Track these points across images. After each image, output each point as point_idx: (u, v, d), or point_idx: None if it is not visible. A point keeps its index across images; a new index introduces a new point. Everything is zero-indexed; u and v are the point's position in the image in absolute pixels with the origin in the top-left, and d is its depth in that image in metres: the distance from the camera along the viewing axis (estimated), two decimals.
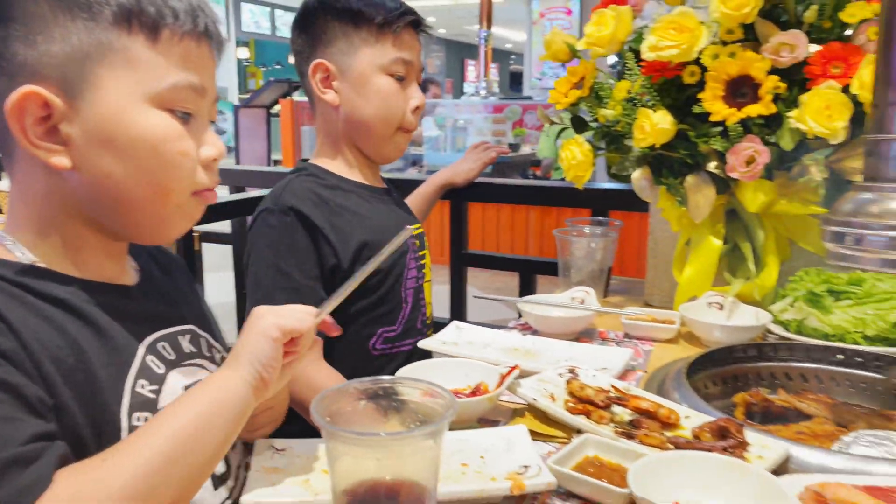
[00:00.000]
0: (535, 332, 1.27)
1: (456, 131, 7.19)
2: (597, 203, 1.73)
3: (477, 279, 1.85)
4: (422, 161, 7.20)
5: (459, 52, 21.79)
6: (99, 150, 0.71)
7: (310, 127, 7.11)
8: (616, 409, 0.90)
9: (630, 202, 1.71)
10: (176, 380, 0.80)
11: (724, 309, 1.27)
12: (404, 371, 0.97)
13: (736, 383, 1.14)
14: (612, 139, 1.41)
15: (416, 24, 1.35)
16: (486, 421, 0.94)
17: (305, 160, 1.44)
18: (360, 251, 1.28)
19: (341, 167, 1.39)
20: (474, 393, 0.97)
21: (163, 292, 0.88)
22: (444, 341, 1.18)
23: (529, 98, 8.36)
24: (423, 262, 1.42)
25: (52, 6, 0.69)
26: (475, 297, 1.32)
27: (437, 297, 1.79)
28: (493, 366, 0.99)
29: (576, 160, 1.38)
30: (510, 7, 12.22)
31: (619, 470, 0.78)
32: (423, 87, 7.49)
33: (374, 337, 1.32)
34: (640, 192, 1.35)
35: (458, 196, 1.86)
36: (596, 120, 1.43)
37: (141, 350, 0.78)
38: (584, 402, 0.91)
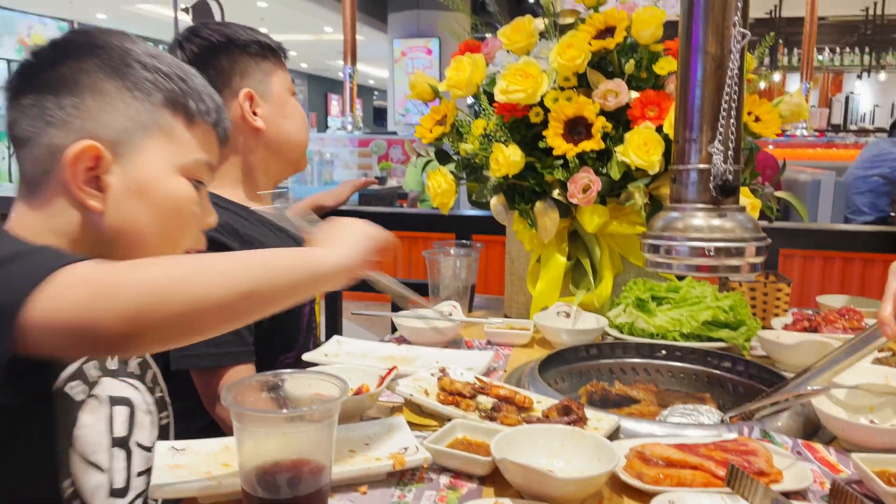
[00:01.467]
0: (409, 343, 1.41)
1: (323, 164, 7.27)
2: (460, 228, 1.91)
3: (351, 305, 1.95)
4: (286, 194, 7.22)
5: (322, 86, 21.84)
6: (132, 201, 0.86)
7: None
8: (480, 398, 1.05)
9: (489, 226, 1.90)
10: (105, 388, 0.89)
11: (571, 316, 1.47)
12: None
13: (581, 378, 1.33)
14: (472, 170, 1.59)
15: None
16: (368, 419, 1.06)
17: None
18: None
19: (241, 198, 1.46)
20: (357, 393, 1.08)
21: None
22: (326, 353, 1.28)
23: (394, 133, 8.61)
24: None
25: (117, 86, 0.86)
26: (353, 313, 1.43)
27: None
28: (372, 369, 1.11)
29: (441, 188, 1.54)
30: (372, 44, 12.53)
31: (484, 446, 0.92)
32: None
33: (275, 364, 1.39)
34: (497, 216, 1.53)
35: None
36: (457, 153, 1.60)
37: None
38: (454, 395, 1.05)
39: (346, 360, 1.26)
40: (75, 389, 0.84)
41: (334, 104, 21.41)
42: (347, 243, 0.87)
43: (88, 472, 0.85)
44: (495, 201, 1.52)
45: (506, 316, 1.65)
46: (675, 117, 1.06)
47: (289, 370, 0.79)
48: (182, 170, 0.89)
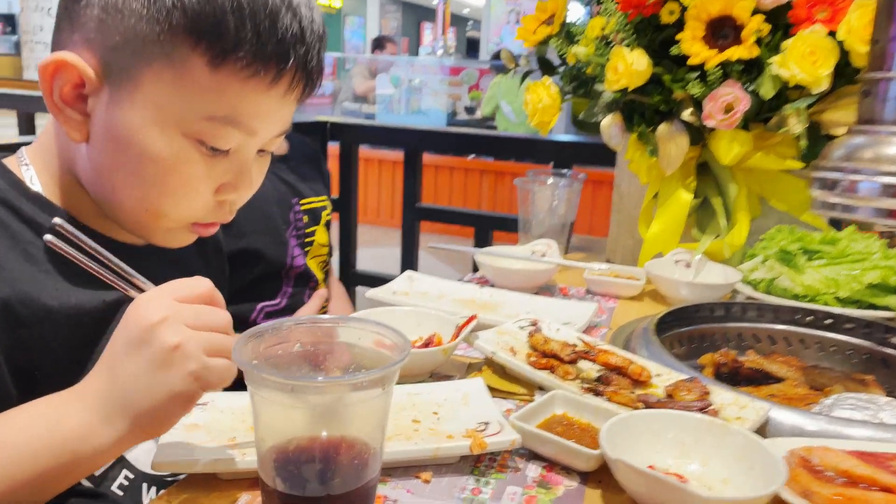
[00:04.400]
0: (492, 286, 1.18)
1: (411, 91, 7.03)
2: (558, 156, 1.65)
3: (429, 240, 1.75)
4: (374, 120, 7.02)
5: (416, 14, 21.34)
6: (108, 145, 0.66)
7: None
8: (583, 364, 0.82)
9: (593, 156, 1.63)
10: None
11: (692, 267, 1.21)
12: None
13: (702, 344, 1.08)
14: (582, 82, 1.32)
15: None
16: (439, 376, 0.85)
17: None
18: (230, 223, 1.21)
19: None
20: (427, 345, 0.87)
21: (176, 263, 0.80)
22: (394, 291, 1.08)
23: (486, 62, 8.24)
24: (309, 238, 1.34)
25: None
26: (430, 246, 1.22)
27: (388, 260, 1.70)
28: (448, 315, 0.89)
29: (542, 104, 1.28)
30: None
31: (590, 430, 0.70)
32: (380, 44, 7.28)
33: (254, 311, 1.24)
34: (609, 141, 1.27)
35: (413, 148, 1.75)
36: (564, 62, 1.33)
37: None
38: (549, 357, 0.82)
39: (416, 300, 1.05)
40: None
41: (427, 33, 20.93)
42: (127, 402, 0.54)
43: None
44: (608, 121, 1.25)
45: (608, 261, 1.40)
46: (878, 6, 0.77)
47: (330, 316, 0.57)
48: (183, 126, 0.65)
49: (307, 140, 1.50)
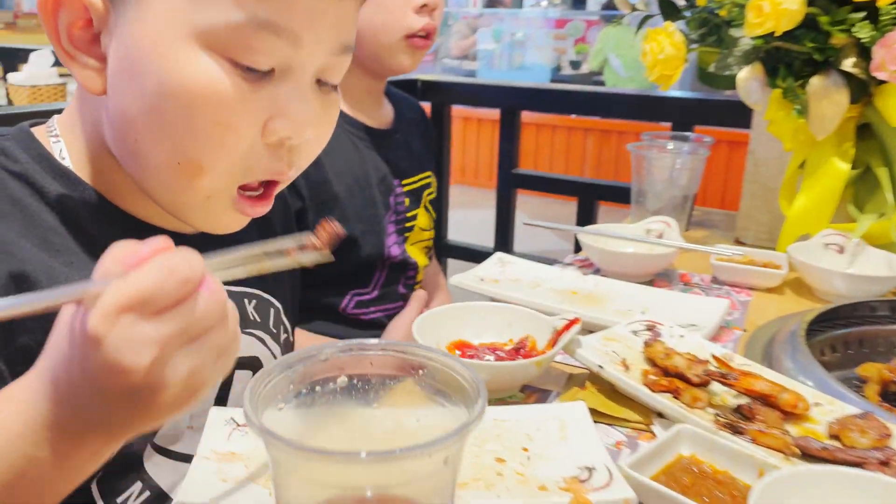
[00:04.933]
0: (598, 272, 1.01)
1: (513, 46, 6.75)
2: (678, 115, 1.43)
3: (527, 205, 1.59)
4: (475, 76, 6.79)
5: None
6: (122, 86, 0.52)
7: None
8: (715, 386, 0.65)
9: (720, 114, 1.41)
10: None
11: (847, 252, 0.99)
12: (427, 317, 0.73)
13: (861, 350, 0.87)
14: (713, 28, 1.10)
15: None
16: (532, 389, 0.70)
17: None
18: (333, 206, 1.07)
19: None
20: (517, 351, 0.72)
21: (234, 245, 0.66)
22: (482, 277, 0.93)
23: (594, 13, 7.82)
24: (409, 224, 1.18)
25: None
26: (525, 223, 1.06)
27: (483, 226, 1.55)
28: (545, 316, 0.74)
29: (664, 54, 1.08)
30: None
31: (728, 482, 0.53)
32: (492, 3, 7.01)
33: (344, 298, 1.11)
34: (746, 97, 1.05)
35: (510, 107, 1.57)
36: (691, 4, 1.12)
37: None
38: (671, 376, 0.65)
39: (506, 289, 0.89)
40: None
41: None
42: (89, 406, 0.39)
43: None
44: (746, 74, 1.04)
45: (737, 242, 1.19)
46: None
47: (383, 341, 0.43)
48: (204, 38, 0.49)
49: (412, 101, 1.34)
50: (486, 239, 1.72)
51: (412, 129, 1.26)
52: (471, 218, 3.74)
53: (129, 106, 0.52)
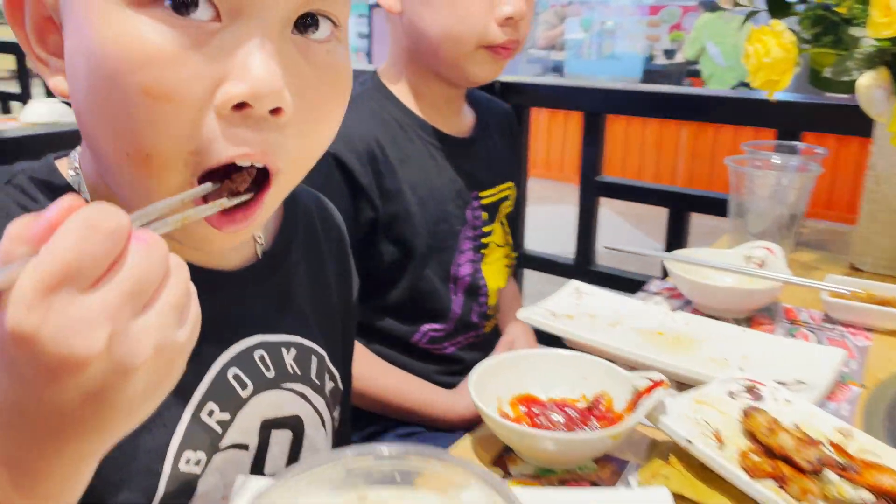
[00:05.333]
0: (688, 303, 0.90)
1: (603, 35, 6.53)
2: (785, 122, 1.28)
3: (612, 206, 1.46)
4: (562, 68, 6.61)
5: None
6: (70, 70, 0.44)
7: None
8: (831, 476, 0.54)
9: (833, 121, 1.25)
10: (257, 409, 0.55)
11: None
12: (483, 368, 0.65)
13: None
14: (830, 26, 0.96)
15: None
16: (607, 459, 0.61)
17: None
18: (405, 219, 1.00)
19: (406, 95, 1.05)
20: (591, 410, 0.63)
21: (279, 285, 0.60)
22: (554, 312, 0.84)
23: None
24: (485, 239, 1.08)
25: None
26: (606, 248, 0.96)
27: (565, 225, 1.44)
28: (625, 372, 0.64)
29: (770, 57, 0.95)
30: None
31: None
32: None
33: (416, 333, 1.04)
34: (868, 106, 0.91)
35: (595, 110, 1.46)
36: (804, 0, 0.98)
37: (218, 364, 0.53)
38: (776, 458, 0.55)
39: (582, 327, 0.80)
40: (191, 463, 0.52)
41: None
42: None
43: None
44: (869, 80, 0.90)
45: (852, 269, 1.05)
46: None
47: (410, 448, 0.35)
48: None
49: (498, 104, 1.24)
50: (567, 243, 1.61)
51: (496, 134, 1.17)
52: (552, 216, 3.61)
53: (75, 95, 0.44)
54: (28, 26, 0.45)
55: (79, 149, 0.52)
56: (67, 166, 0.52)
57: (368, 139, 0.98)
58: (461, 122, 1.11)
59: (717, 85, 5.02)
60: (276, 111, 0.41)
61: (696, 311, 0.89)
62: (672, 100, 1.37)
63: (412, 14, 0.98)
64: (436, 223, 1.03)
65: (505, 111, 1.26)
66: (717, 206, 1.34)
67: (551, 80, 1.67)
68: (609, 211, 1.54)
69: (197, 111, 0.40)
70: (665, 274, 0.94)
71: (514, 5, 0.95)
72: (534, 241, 1.65)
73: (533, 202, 1.69)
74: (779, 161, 1.05)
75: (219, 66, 0.40)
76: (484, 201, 1.10)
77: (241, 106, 0.40)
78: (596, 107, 1.45)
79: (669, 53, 5.72)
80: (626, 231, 4.11)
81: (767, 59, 0.95)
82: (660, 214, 1.47)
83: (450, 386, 1.05)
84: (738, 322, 0.86)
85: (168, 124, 0.40)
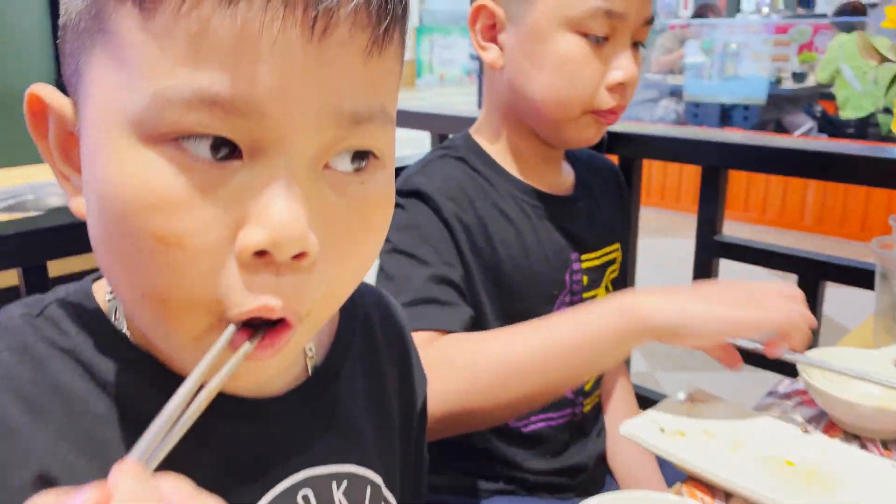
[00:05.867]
0: (823, 413, 0.77)
1: (725, 56, 6.20)
2: None
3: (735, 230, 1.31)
4: (681, 92, 6.32)
5: None
6: (85, 200, 0.43)
7: None
8: None
9: None
10: None
11: None
12: None
13: None
14: None
15: None
16: None
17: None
18: (493, 278, 0.92)
19: (503, 154, 0.99)
20: None
21: (331, 405, 0.54)
22: (663, 427, 0.73)
23: (824, 16, 7.00)
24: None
25: None
26: (729, 341, 0.83)
27: (681, 265, 1.32)
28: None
29: None
30: None
31: None
32: (700, 13, 6.51)
33: (528, 425, 0.96)
34: None
35: (714, 163, 1.33)
36: None
37: None
38: None
39: (694, 451, 0.69)
40: None
41: None
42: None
43: None
44: None
45: None
46: None
47: None
48: (138, 127, 0.37)
49: (601, 160, 1.17)
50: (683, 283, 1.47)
51: (599, 193, 1.08)
52: (668, 252, 3.41)
53: (91, 228, 0.41)
54: (51, 140, 0.43)
55: None
56: (105, 289, 0.47)
57: (457, 187, 0.93)
58: (560, 180, 1.04)
59: (852, 111, 4.63)
60: (299, 256, 0.37)
61: (833, 426, 0.76)
62: (802, 157, 1.22)
63: (516, 71, 0.93)
64: (529, 286, 0.95)
65: (609, 167, 1.17)
66: (859, 277, 1.17)
67: (665, 129, 1.54)
68: (728, 264, 1.39)
69: (215, 258, 0.37)
70: (794, 374, 0.81)
71: (626, 71, 0.89)
72: (645, 281, 1.51)
73: (645, 233, 1.56)
74: None
75: (238, 210, 0.37)
76: (586, 265, 1.01)
77: (261, 253, 0.36)
78: (715, 160, 1.32)
79: (799, 76, 5.34)
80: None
81: None
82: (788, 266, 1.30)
83: (539, 472, 0.96)
84: (884, 444, 0.72)
85: (184, 272, 0.37)
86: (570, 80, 0.89)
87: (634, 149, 1.41)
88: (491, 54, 0.94)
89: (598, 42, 0.88)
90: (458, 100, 11.00)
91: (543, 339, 0.78)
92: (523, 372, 0.76)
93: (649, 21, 0.92)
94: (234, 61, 0.35)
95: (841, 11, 5.13)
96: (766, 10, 6.08)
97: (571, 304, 0.99)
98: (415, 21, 14.06)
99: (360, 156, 0.40)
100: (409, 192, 0.91)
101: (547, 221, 0.98)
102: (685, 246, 1.49)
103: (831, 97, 4.98)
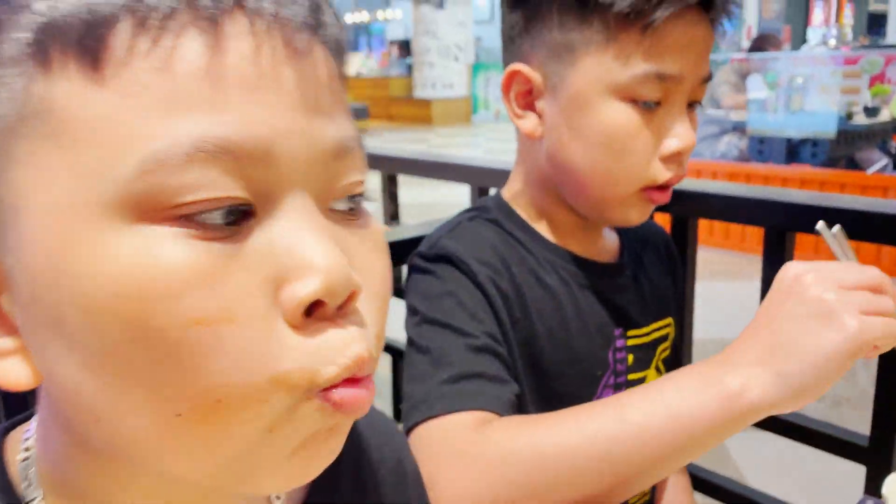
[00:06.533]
0: None
1: (792, 90, 5.97)
2: None
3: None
4: (744, 127, 6.11)
5: None
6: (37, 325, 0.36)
7: None
8: None
9: None
10: None
11: None
12: None
13: None
14: None
15: (705, 3, 0.78)
16: None
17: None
18: (530, 353, 0.82)
19: (538, 218, 0.90)
20: None
21: None
22: None
23: (894, 46, 6.70)
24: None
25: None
26: None
27: (746, 314, 1.21)
28: None
29: None
30: None
31: None
32: (758, 46, 6.31)
33: None
34: None
35: (779, 225, 1.20)
36: None
37: None
38: None
39: None
40: None
41: (817, 12, 18.32)
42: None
43: None
44: None
45: None
46: None
47: None
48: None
49: (651, 225, 1.05)
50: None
51: (648, 261, 0.98)
52: (731, 298, 3.23)
53: (53, 367, 0.33)
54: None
55: (34, 422, 0.39)
56: (17, 444, 0.38)
57: (492, 251, 0.83)
58: (603, 246, 0.94)
59: None
60: (349, 298, 0.33)
61: None
62: (876, 220, 1.09)
63: (557, 143, 0.83)
64: (569, 364, 0.85)
65: (658, 233, 1.06)
66: None
67: (724, 186, 1.40)
68: None
69: (264, 326, 0.31)
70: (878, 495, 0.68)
71: (683, 138, 0.79)
72: (706, 326, 1.37)
73: (706, 277, 1.43)
74: None
75: (270, 269, 0.32)
76: (632, 342, 0.91)
77: (313, 307, 0.32)
78: (780, 222, 1.20)
79: (871, 111, 5.08)
80: None
81: None
82: None
83: None
84: None
85: (236, 350, 0.30)
86: (620, 154, 0.78)
87: (689, 207, 1.29)
88: (529, 123, 0.85)
89: (650, 108, 0.77)
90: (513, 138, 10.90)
91: (623, 425, 0.62)
92: (594, 468, 0.62)
93: (707, 79, 0.82)
94: (237, 97, 0.30)
95: None
96: (833, 41, 5.84)
97: (616, 386, 0.89)
98: (470, 58, 14.16)
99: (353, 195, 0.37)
100: (438, 257, 0.82)
101: (588, 292, 0.88)
102: (748, 288, 1.37)
103: None
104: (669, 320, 0.96)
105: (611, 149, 0.79)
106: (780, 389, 0.58)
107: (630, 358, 0.89)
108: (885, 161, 4.54)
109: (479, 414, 0.70)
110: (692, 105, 0.83)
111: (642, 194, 0.82)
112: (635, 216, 0.84)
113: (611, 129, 0.78)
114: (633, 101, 0.77)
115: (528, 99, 0.85)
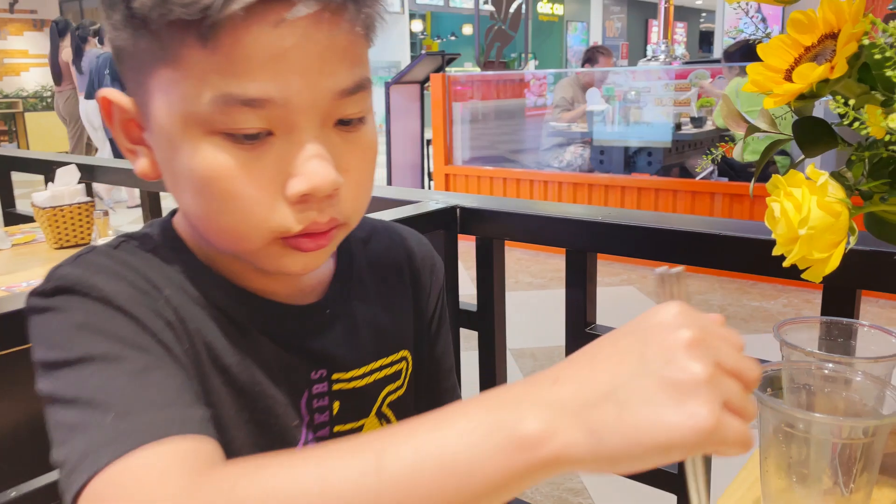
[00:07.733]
0: None
1: (627, 103, 6.25)
2: (838, 278, 0.93)
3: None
4: (589, 137, 6.32)
5: (643, 11, 20.10)
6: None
7: (462, 103, 6.48)
8: None
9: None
10: None
11: None
12: None
13: None
14: (886, 161, 0.63)
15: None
16: None
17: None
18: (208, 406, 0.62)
19: (216, 255, 0.70)
20: None
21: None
22: None
23: (718, 61, 7.20)
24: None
25: None
26: None
27: (555, 328, 1.09)
28: None
29: (814, 226, 0.61)
30: None
31: None
32: (590, 58, 6.55)
33: None
34: None
35: (580, 246, 1.13)
36: (865, 136, 0.64)
37: None
38: None
39: None
40: None
41: (655, 31, 19.56)
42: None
43: None
44: None
45: None
46: None
47: None
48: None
49: (398, 237, 0.84)
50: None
51: (376, 293, 0.78)
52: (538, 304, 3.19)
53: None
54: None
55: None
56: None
57: (134, 275, 0.62)
58: (300, 283, 0.74)
59: (751, 156, 4.67)
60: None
61: None
62: (669, 237, 1.03)
63: (170, 186, 0.64)
64: (254, 422, 0.67)
65: (403, 256, 0.83)
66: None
67: (524, 204, 1.31)
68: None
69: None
70: None
71: (311, 178, 0.57)
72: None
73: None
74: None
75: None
76: (338, 386, 0.73)
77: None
78: (579, 244, 1.12)
79: (697, 121, 5.39)
80: None
81: (805, 229, 0.61)
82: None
83: None
84: None
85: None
86: (224, 202, 0.59)
87: (491, 229, 1.20)
88: (140, 162, 0.65)
89: (254, 140, 0.57)
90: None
91: (379, 477, 0.40)
92: None
93: (351, 91, 0.59)
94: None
95: (730, 55, 5.22)
96: (663, 56, 6.17)
97: (318, 440, 0.72)
98: None
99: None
100: (56, 290, 0.59)
101: (271, 336, 0.69)
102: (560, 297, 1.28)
103: (732, 139, 5.02)
104: (402, 354, 0.80)
105: (212, 196, 0.60)
106: (589, 450, 0.43)
107: (336, 406, 0.73)
108: (710, 168, 4.82)
109: (173, 443, 0.51)
110: (347, 123, 0.63)
111: (286, 243, 0.62)
112: (294, 265, 0.63)
113: (204, 171, 0.59)
114: (228, 135, 0.58)
115: (137, 131, 0.66)
